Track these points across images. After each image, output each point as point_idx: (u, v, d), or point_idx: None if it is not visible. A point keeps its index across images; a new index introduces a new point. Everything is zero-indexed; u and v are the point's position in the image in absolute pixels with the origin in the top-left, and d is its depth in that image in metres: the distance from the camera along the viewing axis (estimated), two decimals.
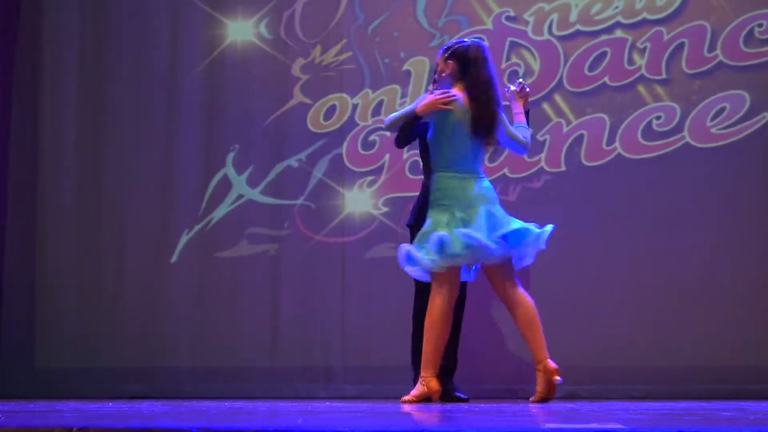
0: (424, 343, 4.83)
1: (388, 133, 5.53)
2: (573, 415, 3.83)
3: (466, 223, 4.78)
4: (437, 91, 4.83)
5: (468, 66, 4.84)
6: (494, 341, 5.79)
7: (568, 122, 5.89)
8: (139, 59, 6.32)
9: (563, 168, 5.87)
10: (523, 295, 4.89)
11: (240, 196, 6.18)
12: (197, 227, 6.19)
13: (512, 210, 5.83)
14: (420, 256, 4.77)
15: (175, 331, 6.13)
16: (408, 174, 5.95)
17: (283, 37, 6.20)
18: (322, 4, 6.17)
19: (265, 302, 6.08)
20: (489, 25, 6.01)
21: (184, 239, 6.18)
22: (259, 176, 6.16)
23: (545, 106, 5.92)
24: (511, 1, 5.99)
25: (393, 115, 4.95)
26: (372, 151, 6.00)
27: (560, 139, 5.88)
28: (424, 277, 4.85)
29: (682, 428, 2.97)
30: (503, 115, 4.87)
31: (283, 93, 6.17)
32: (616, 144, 5.83)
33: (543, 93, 5.92)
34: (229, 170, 6.19)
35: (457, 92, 4.82)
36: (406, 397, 4.91)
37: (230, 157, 6.19)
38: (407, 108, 4.88)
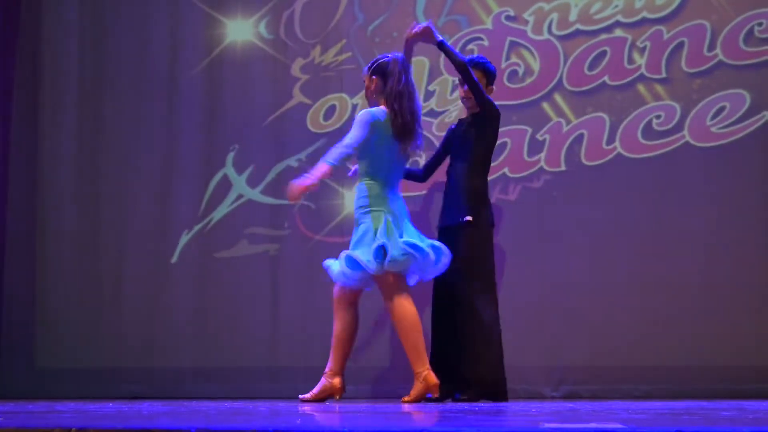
0: (412, 344, 4.96)
1: None
2: (573, 415, 3.83)
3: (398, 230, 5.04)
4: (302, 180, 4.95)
5: (387, 79, 5.09)
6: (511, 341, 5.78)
7: (568, 122, 5.89)
8: (139, 59, 6.32)
9: (563, 167, 5.87)
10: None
11: (240, 196, 6.18)
12: (197, 227, 6.19)
13: (512, 209, 5.85)
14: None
15: (176, 331, 6.13)
16: None
17: (282, 37, 6.20)
18: (322, 4, 6.17)
19: (265, 302, 6.08)
20: (489, 25, 6.00)
21: (184, 239, 6.19)
22: (259, 176, 6.16)
23: (545, 105, 5.91)
24: (511, 1, 5.99)
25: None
26: None
27: (560, 138, 5.88)
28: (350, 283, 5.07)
29: (682, 427, 2.97)
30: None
31: (283, 93, 6.17)
32: (616, 143, 5.83)
33: (543, 92, 5.91)
34: (229, 170, 6.19)
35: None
36: (406, 398, 4.94)
37: (230, 157, 6.19)
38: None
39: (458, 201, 5.21)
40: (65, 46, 6.36)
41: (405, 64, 5.11)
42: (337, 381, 5.10)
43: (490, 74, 5.32)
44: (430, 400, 5.09)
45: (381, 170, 5.07)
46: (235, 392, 5.95)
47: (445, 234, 5.24)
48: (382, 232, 4.97)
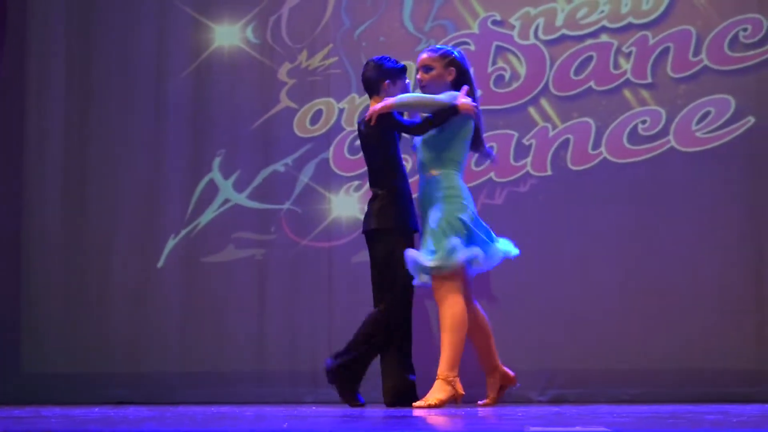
0: (454, 346, 4.89)
1: None
2: (558, 419, 3.84)
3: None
4: (466, 97, 5.05)
5: (465, 73, 5.17)
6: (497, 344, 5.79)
7: (554, 126, 5.90)
8: (126, 64, 6.30)
9: (549, 172, 5.88)
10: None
11: (226, 201, 6.17)
12: (184, 232, 6.18)
13: (499, 214, 5.86)
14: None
15: (162, 335, 6.12)
16: None
17: (269, 41, 6.20)
18: (309, 8, 6.17)
19: (251, 307, 6.07)
20: (475, 30, 6.02)
21: (170, 244, 6.18)
22: (246, 181, 6.15)
23: (531, 110, 5.93)
24: (498, 6, 6.00)
25: (417, 97, 5.10)
26: (358, 156, 5.99)
27: (546, 143, 5.89)
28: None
29: (666, 431, 2.99)
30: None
31: (270, 97, 6.17)
32: (602, 148, 5.85)
33: (529, 97, 5.93)
34: (216, 175, 6.19)
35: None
36: (431, 401, 4.82)
37: (217, 161, 6.19)
38: (436, 98, 5.05)
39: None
40: (51, 49, 6.34)
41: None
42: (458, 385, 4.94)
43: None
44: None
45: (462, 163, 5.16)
46: (221, 397, 5.94)
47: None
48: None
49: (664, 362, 5.65)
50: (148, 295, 6.16)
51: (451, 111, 5.02)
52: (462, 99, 5.03)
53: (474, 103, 5.08)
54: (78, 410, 4.88)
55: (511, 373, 5.26)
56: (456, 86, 5.12)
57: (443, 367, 4.87)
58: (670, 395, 5.54)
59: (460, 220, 4.97)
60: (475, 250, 4.96)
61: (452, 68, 5.13)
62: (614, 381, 5.64)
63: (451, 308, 4.90)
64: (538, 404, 5.54)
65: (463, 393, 4.93)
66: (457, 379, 4.88)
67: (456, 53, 5.20)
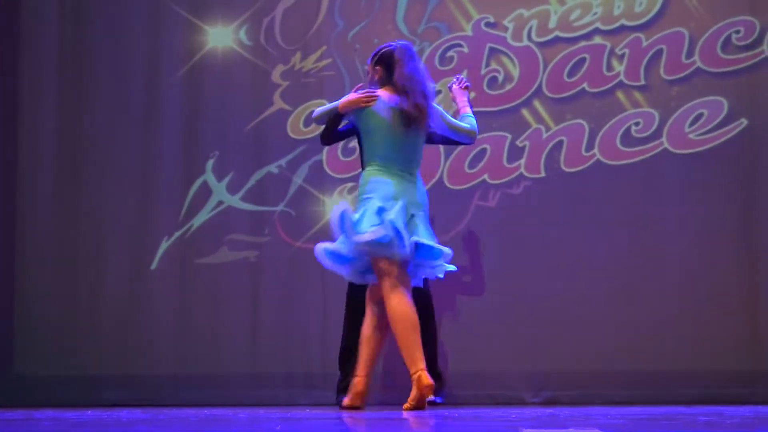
0: (409, 342, 4.73)
1: None
2: (552, 420, 3.84)
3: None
4: (354, 93, 4.99)
5: (392, 67, 4.97)
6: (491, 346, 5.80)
7: (548, 128, 5.91)
8: (119, 65, 6.29)
9: (543, 174, 5.89)
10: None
11: (220, 203, 6.16)
12: (177, 234, 6.17)
13: (492, 216, 5.87)
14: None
15: (155, 337, 6.10)
16: None
17: (263, 43, 6.19)
18: (302, 10, 6.17)
19: (245, 309, 6.06)
20: (469, 32, 6.02)
21: (164, 246, 6.17)
22: (239, 183, 6.15)
23: (525, 112, 5.93)
24: (491, 8, 6.01)
25: (319, 109, 5.12)
26: (352, 158, 6.00)
27: (540, 145, 5.90)
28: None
29: None
30: (437, 107, 5.02)
31: (264, 99, 6.16)
32: (595, 150, 5.85)
33: (522, 99, 5.93)
34: (209, 177, 6.18)
35: (381, 91, 4.96)
36: (406, 404, 4.74)
37: (210, 163, 6.18)
38: (332, 104, 5.03)
39: None
40: (44, 50, 6.33)
41: (410, 51, 5.03)
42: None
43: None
44: (436, 404, 5.09)
45: (380, 156, 4.93)
46: (215, 399, 5.93)
47: None
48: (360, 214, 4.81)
49: (658, 363, 5.65)
50: (142, 296, 6.15)
51: (333, 112, 5.02)
52: (348, 97, 4.99)
53: (361, 93, 4.94)
54: (71, 412, 4.87)
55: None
56: (388, 83, 5.00)
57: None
58: (664, 397, 5.54)
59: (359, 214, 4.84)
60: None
61: (378, 67, 5.03)
62: (608, 382, 5.64)
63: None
64: (532, 406, 5.54)
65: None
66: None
67: (386, 49, 5.04)
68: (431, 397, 4.97)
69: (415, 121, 4.90)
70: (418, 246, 4.80)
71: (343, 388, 5.19)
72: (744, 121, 5.75)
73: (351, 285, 5.23)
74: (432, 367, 5.05)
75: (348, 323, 5.36)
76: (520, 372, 5.75)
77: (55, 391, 6.06)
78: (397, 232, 4.73)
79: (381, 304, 4.84)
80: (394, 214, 4.77)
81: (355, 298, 5.22)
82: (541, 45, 5.94)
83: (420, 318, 4.82)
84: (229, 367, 6.03)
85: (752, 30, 5.78)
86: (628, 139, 5.83)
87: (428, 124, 4.95)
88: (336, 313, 5.92)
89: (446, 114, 5.05)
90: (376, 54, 5.07)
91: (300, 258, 6.02)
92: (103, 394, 6.03)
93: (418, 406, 4.68)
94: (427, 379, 4.69)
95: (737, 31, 5.80)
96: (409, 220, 4.84)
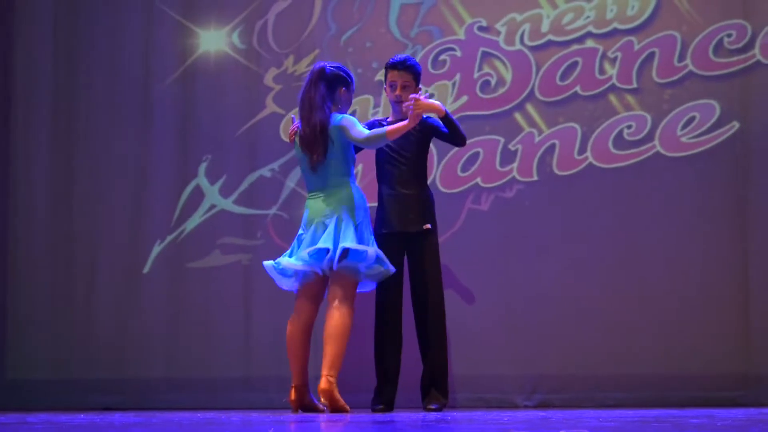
0: (340, 350, 5.00)
1: None
2: (544, 423, 3.85)
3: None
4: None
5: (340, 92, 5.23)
6: (484, 350, 5.81)
7: (540, 132, 5.92)
8: (112, 69, 6.30)
9: (535, 177, 5.90)
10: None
11: (212, 206, 6.17)
12: (170, 237, 6.17)
13: (485, 219, 5.87)
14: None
15: (148, 341, 6.10)
16: None
17: (255, 47, 6.20)
18: (295, 14, 6.18)
19: (238, 312, 6.07)
20: (461, 36, 6.03)
21: (156, 250, 6.17)
22: (232, 186, 6.15)
23: (517, 115, 5.94)
24: (484, 12, 6.02)
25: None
26: None
27: (532, 148, 5.91)
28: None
29: None
30: (345, 121, 5.07)
31: (256, 103, 6.17)
32: (588, 153, 5.86)
33: (515, 103, 5.94)
34: (202, 180, 6.18)
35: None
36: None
37: (203, 167, 6.18)
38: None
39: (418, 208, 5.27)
40: (38, 53, 6.34)
41: (309, 75, 5.19)
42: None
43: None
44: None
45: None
46: (208, 403, 5.93)
47: (403, 239, 5.26)
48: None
49: (650, 366, 5.66)
50: (134, 300, 6.15)
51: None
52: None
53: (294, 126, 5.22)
54: (64, 416, 4.87)
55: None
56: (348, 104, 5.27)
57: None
58: (655, 399, 5.56)
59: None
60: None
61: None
62: (600, 386, 5.65)
63: None
64: (524, 409, 5.55)
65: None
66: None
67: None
68: (433, 405, 5.15)
69: (308, 148, 5.11)
70: (349, 251, 5.01)
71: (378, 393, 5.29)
72: (736, 124, 5.77)
73: (379, 293, 5.28)
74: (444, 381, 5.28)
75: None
76: (513, 375, 5.75)
77: (48, 395, 6.06)
78: (313, 254, 5.02)
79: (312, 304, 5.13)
80: (305, 243, 5.10)
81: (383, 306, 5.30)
82: (534, 49, 5.95)
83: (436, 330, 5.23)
84: (222, 371, 6.03)
85: (744, 33, 5.79)
86: (620, 142, 5.84)
87: (320, 150, 5.07)
88: None
89: (352, 128, 5.07)
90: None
91: None
92: (96, 398, 6.04)
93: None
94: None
95: (729, 35, 5.81)
96: (338, 228, 5.04)
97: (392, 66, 5.31)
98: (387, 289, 5.22)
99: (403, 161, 5.28)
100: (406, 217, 5.25)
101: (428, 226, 5.26)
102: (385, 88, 5.43)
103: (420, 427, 3.71)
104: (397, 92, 5.27)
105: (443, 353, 5.26)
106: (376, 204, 5.39)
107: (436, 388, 5.24)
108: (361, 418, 4.52)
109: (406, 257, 5.31)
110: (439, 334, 5.24)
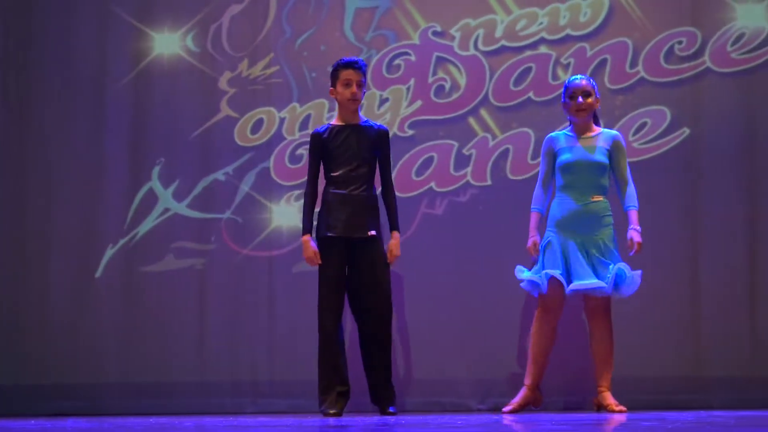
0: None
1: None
2: (497, 427, 3.87)
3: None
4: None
5: None
6: (438, 354, 5.82)
7: (494, 137, 5.95)
8: (65, 71, 6.24)
9: (489, 182, 5.93)
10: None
11: (166, 210, 6.13)
12: (122, 241, 6.12)
13: (439, 223, 5.89)
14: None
15: (101, 346, 6.05)
16: None
17: (210, 50, 6.17)
18: (250, 17, 6.16)
19: (192, 317, 6.03)
20: (416, 40, 6.05)
21: (108, 253, 6.12)
22: (186, 190, 6.12)
23: (471, 120, 5.97)
24: (438, 17, 6.04)
25: None
26: (299, 165, 6.01)
27: (486, 153, 5.94)
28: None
29: None
30: None
31: (210, 106, 6.14)
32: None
33: (469, 107, 5.97)
34: (155, 184, 6.14)
35: None
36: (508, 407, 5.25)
37: (156, 170, 6.14)
38: None
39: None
40: None
41: None
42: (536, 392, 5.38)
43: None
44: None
45: None
46: (161, 408, 5.89)
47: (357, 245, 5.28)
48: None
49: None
50: (86, 305, 6.09)
51: None
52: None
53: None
54: (14, 423, 4.82)
55: None
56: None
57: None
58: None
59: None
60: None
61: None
62: (554, 389, 5.68)
63: None
64: (478, 412, 5.57)
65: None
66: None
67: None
68: (391, 408, 5.18)
69: None
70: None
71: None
72: (686, 130, 5.84)
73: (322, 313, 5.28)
74: (388, 379, 5.28)
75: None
76: (467, 379, 5.78)
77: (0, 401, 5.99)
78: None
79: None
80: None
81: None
82: (488, 54, 5.99)
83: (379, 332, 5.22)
84: (176, 376, 5.99)
85: (694, 41, 5.87)
86: None
87: None
88: (283, 320, 5.93)
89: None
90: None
91: (247, 265, 6.01)
92: (48, 404, 5.97)
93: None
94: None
95: (680, 42, 5.89)
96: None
97: (347, 65, 5.34)
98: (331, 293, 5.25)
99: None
100: (352, 223, 5.26)
101: (373, 232, 5.27)
102: (332, 89, 5.42)
103: (374, 431, 3.71)
104: (353, 89, 5.29)
105: (389, 354, 5.30)
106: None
107: (387, 390, 5.25)
108: (313, 422, 4.52)
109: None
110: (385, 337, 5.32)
